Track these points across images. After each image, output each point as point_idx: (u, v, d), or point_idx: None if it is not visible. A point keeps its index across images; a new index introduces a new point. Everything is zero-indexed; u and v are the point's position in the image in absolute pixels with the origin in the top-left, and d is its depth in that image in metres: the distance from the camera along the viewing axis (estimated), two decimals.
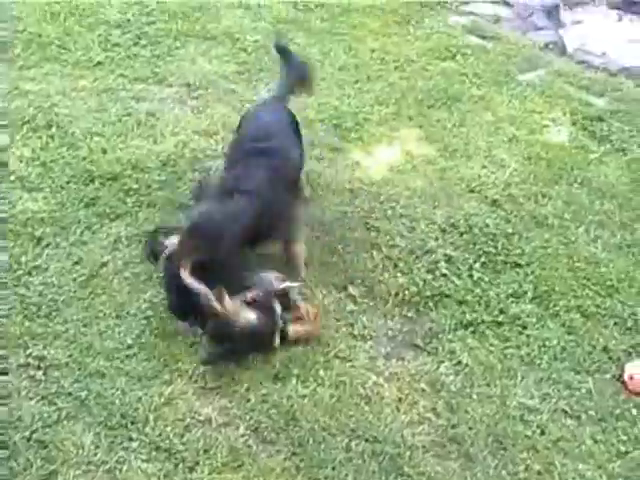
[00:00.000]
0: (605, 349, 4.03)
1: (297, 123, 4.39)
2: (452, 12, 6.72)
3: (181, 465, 3.35)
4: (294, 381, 3.70)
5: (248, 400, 3.61)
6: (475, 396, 3.76)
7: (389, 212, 4.62)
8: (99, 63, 5.56)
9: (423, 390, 3.75)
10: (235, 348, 3.75)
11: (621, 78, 6.11)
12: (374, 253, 4.37)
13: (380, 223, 4.55)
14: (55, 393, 3.54)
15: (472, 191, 4.85)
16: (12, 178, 4.51)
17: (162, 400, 3.56)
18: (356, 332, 3.98)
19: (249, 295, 3.78)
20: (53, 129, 4.89)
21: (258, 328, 3.77)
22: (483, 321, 4.09)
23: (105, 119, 5.04)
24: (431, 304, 4.15)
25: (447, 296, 4.20)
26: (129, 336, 3.80)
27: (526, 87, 5.82)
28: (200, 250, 3.73)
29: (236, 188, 3.88)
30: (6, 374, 3.50)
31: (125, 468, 3.31)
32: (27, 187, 4.49)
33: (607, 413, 3.76)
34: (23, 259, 4.08)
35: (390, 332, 4.01)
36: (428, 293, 4.19)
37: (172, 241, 3.87)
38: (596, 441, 3.64)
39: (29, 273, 4.02)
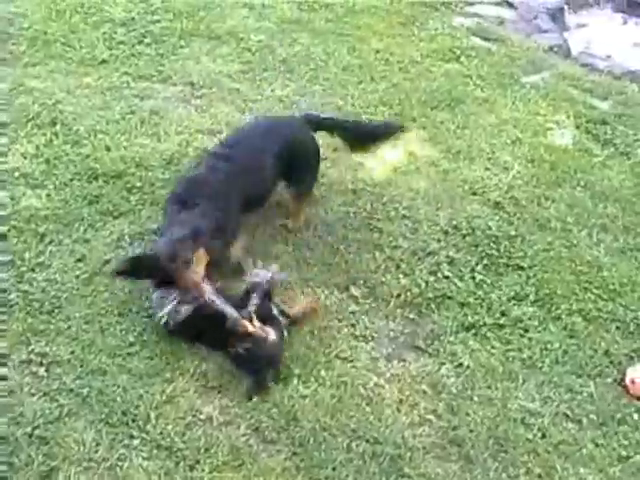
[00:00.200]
0: (607, 353, 4.04)
1: (304, 148, 4.36)
2: (456, 14, 6.73)
3: (182, 463, 3.36)
4: (295, 381, 3.70)
5: (249, 399, 3.61)
6: (476, 398, 3.76)
7: (392, 213, 4.63)
8: (104, 61, 5.57)
9: (424, 392, 3.76)
10: (268, 363, 3.73)
11: (625, 81, 6.12)
12: (376, 254, 4.37)
13: (383, 224, 4.55)
14: (57, 390, 3.55)
15: (475, 193, 4.85)
16: (16, 174, 4.52)
17: (163, 398, 3.56)
18: (358, 333, 3.98)
19: (251, 308, 3.78)
20: (57, 126, 4.90)
21: (278, 342, 3.78)
22: (485, 323, 4.09)
23: (109, 117, 5.05)
24: (433, 306, 4.15)
25: (449, 298, 4.20)
26: (131, 334, 3.80)
27: (530, 90, 5.82)
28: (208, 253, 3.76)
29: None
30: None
31: (126, 465, 3.32)
32: (31, 184, 4.49)
33: (608, 417, 3.76)
34: (26, 255, 4.08)
35: (392, 333, 4.01)
36: (430, 295, 4.20)
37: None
38: (597, 445, 3.65)
39: (32, 270, 4.03)
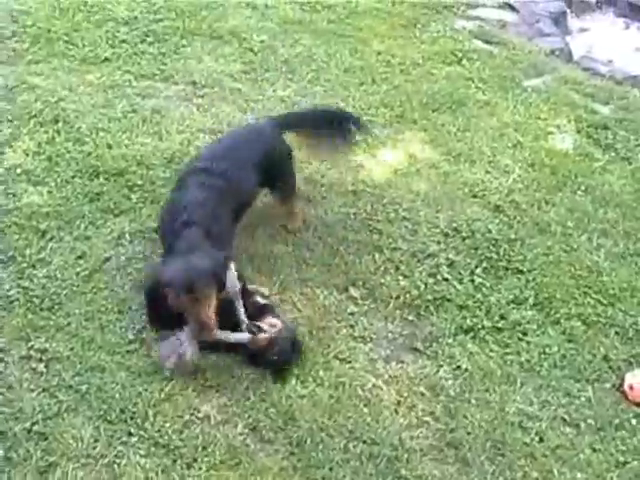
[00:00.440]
0: (605, 358, 4.04)
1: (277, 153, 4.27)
2: (458, 16, 6.74)
3: (179, 461, 3.36)
4: (293, 381, 3.71)
5: (247, 399, 3.62)
6: (474, 401, 3.76)
7: (392, 215, 4.63)
8: (106, 59, 5.57)
9: (422, 394, 3.76)
10: (295, 349, 3.80)
11: (627, 86, 6.12)
12: (376, 255, 4.38)
13: (382, 226, 4.56)
14: (56, 386, 3.55)
15: (475, 196, 4.86)
16: (18, 171, 4.53)
17: (162, 396, 3.57)
18: (356, 334, 3.98)
19: (243, 317, 3.76)
20: (59, 124, 4.90)
21: (285, 323, 3.84)
22: (483, 326, 4.10)
23: (111, 115, 5.05)
24: (432, 308, 4.15)
25: (448, 300, 4.20)
26: (130, 331, 3.81)
27: (531, 93, 5.83)
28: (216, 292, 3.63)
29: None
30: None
31: (124, 462, 3.33)
32: (32, 181, 4.50)
33: (606, 422, 3.76)
34: (27, 252, 4.09)
35: (390, 335, 4.01)
36: (429, 297, 4.20)
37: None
38: (595, 450, 3.64)
39: (33, 266, 4.04)
